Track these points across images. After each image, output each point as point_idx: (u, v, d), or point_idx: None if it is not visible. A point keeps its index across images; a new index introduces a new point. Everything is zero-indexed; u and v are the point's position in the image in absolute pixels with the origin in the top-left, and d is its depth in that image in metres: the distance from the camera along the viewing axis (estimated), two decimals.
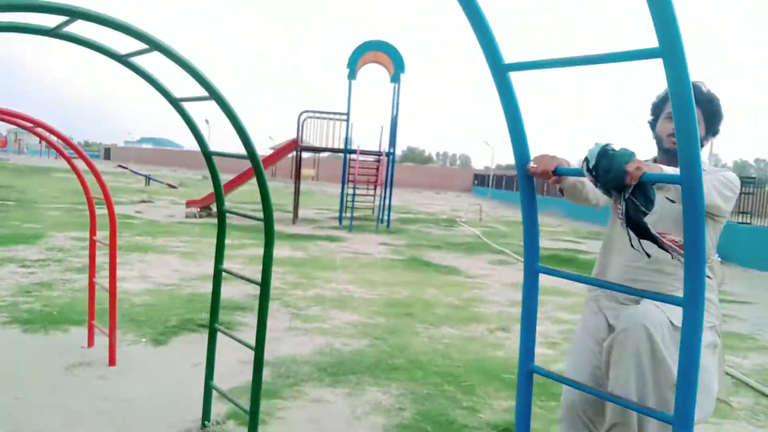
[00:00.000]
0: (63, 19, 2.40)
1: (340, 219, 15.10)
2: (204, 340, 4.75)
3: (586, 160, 1.59)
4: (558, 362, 4.88)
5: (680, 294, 1.43)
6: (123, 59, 2.78)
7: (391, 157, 15.50)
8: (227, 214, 3.23)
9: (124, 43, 2.87)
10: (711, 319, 2.31)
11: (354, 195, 14.55)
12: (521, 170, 1.76)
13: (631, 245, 1.79)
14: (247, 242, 10.78)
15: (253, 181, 13.93)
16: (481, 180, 52.07)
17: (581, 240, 16.09)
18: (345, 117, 15.52)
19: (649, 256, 1.86)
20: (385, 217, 15.32)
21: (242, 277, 3.23)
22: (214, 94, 2.60)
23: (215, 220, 14.02)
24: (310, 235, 12.80)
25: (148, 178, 26.14)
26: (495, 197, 42.00)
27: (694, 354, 1.43)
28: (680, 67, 1.22)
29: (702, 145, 2.33)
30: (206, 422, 3.21)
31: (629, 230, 1.63)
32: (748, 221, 13.02)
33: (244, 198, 21.25)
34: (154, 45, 2.43)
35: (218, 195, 3.21)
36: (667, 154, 2.49)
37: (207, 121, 54.87)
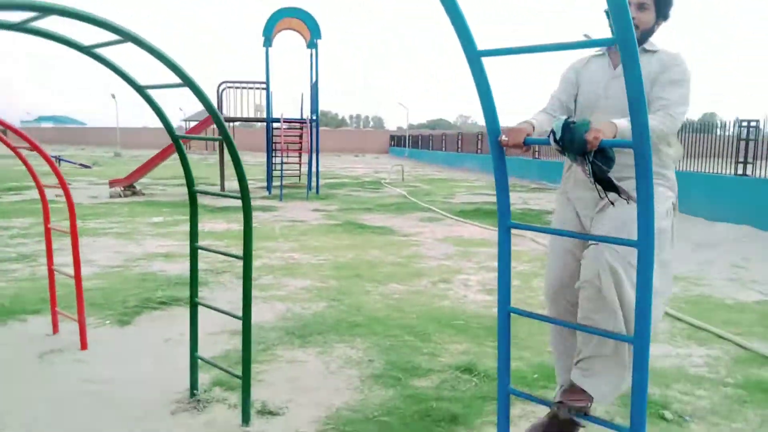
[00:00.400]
0: (31, 14, 2.47)
1: (269, 188, 15.14)
2: (168, 317, 4.94)
3: (553, 132, 1.92)
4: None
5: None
6: (88, 50, 2.86)
7: (314, 123, 15.58)
8: (196, 194, 3.38)
9: (83, 34, 2.96)
10: (669, 194, 2.59)
11: (282, 164, 14.58)
12: (493, 140, 2.08)
13: (599, 196, 2.15)
14: (179, 218, 10.73)
15: (174, 156, 13.68)
16: (397, 141, 52.69)
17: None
18: (264, 86, 15.40)
19: (612, 204, 2.23)
20: (314, 184, 15.46)
21: (223, 253, 3.42)
22: (187, 81, 2.76)
23: (141, 199, 13.85)
24: (239, 206, 12.78)
25: (58, 159, 24.91)
26: (412, 157, 42.73)
27: (647, 288, 1.81)
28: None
29: (653, 31, 2.61)
30: (195, 391, 3.43)
31: (597, 185, 1.98)
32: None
33: (163, 174, 20.77)
34: (128, 37, 2.55)
35: (188, 176, 3.36)
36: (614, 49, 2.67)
37: (113, 96, 52.32)
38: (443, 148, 34.75)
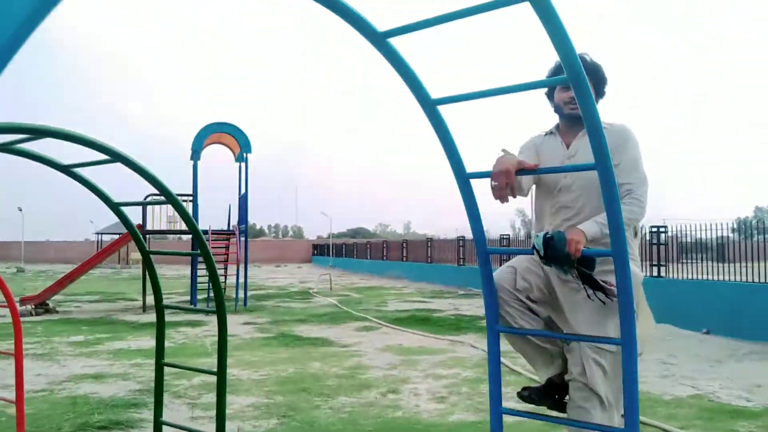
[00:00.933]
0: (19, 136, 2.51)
1: (194, 302, 14.67)
2: None
3: (536, 249, 2.09)
4: (453, 413, 5.36)
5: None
6: (67, 170, 2.89)
7: (243, 234, 15.52)
8: (165, 310, 3.33)
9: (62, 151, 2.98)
10: (637, 272, 2.64)
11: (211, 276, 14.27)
12: (477, 240, 2.24)
13: (588, 296, 2.31)
14: (101, 336, 10.19)
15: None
16: (320, 250, 52.82)
17: (428, 299, 17.12)
18: (191, 198, 15.35)
19: (596, 298, 2.39)
20: (242, 296, 15.15)
21: (197, 370, 3.33)
22: (170, 198, 2.81)
23: (56, 317, 13.04)
24: (169, 321, 12.29)
25: None
26: (338, 265, 42.80)
27: (634, 382, 1.96)
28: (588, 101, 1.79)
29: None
30: None
31: (585, 287, 2.15)
32: None
33: (76, 290, 19.81)
34: (118, 157, 2.62)
35: (158, 292, 3.33)
36: (569, 120, 2.77)
37: (20, 209, 50.23)
38: (368, 256, 35.13)
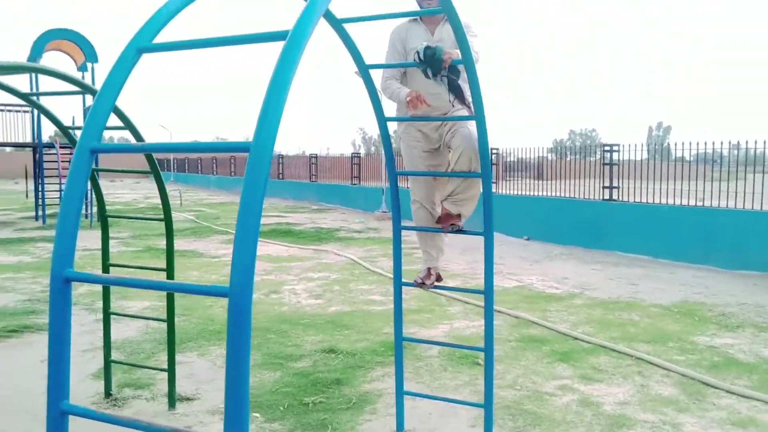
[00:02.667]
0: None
1: (43, 218, 14.15)
2: (25, 343, 5.04)
3: (417, 54, 2.82)
4: (330, 306, 6.36)
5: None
6: (26, 96, 3.27)
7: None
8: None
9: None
10: None
11: (61, 191, 13.77)
12: (390, 167, 3.10)
13: (451, 103, 3.13)
14: None
15: None
16: (160, 164, 50.65)
17: (285, 214, 17.88)
18: (29, 109, 14.46)
19: (453, 105, 3.22)
20: (92, 210, 14.82)
21: (150, 268, 3.90)
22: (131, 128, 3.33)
23: None
24: (20, 238, 11.98)
25: None
26: (180, 181, 41.68)
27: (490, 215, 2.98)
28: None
29: None
30: (110, 392, 3.86)
31: (450, 93, 2.99)
32: None
33: None
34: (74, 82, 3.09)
35: (100, 202, 3.82)
36: (426, 18, 3.35)
37: None
38: (214, 172, 34.69)
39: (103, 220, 3.89)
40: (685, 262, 9.03)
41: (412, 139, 3.47)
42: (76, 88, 3.21)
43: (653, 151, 12.00)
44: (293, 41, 1.34)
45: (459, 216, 3.41)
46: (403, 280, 3.50)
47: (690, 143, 9.72)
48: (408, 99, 2.99)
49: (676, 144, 10.23)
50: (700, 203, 9.31)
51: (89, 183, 3.89)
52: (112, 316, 4.01)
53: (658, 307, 6.42)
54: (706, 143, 9.74)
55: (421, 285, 3.55)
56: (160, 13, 1.62)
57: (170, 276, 3.69)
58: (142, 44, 1.55)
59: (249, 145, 1.25)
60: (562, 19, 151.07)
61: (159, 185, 3.60)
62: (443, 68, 2.86)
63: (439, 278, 3.64)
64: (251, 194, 1.21)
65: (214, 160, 35.42)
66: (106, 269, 3.87)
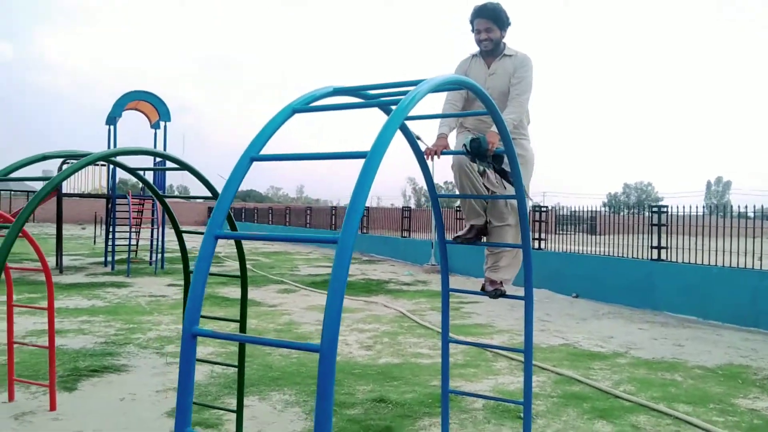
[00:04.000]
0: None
1: (112, 264, 15.08)
2: (106, 382, 5.57)
3: (465, 146, 3.27)
4: (380, 358, 6.72)
5: None
6: (133, 171, 3.86)
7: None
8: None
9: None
10: (529, 147, 3.94)
11: (130, 239, 14.72)
12: (440, 235, 3.52)
13: (503, 185, 3.60)
14: (32, 296, 10.61)
15: None
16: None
17: None
18: (104, 164, 15.58)
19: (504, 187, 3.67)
20: (158, 257, 15.69)
21: (222, 319, 4.39)
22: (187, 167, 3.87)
23: None
24: (92, 283, 12.82)
25: None
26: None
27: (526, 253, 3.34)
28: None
29: (503, 38, 3.83)
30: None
31: (497, 175, 3.43)
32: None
33: None
34: (185, 166, 3.65)
35: (184, 257, 4.35)
36: (484, 54, 3.90)
37: None
38: (269, 221, 35.80)
39: (186, 275, 4.38)
40: (734, 324, 9.03)
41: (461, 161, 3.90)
42: (176, 165, 3.75)
43: (711, 207, 12.04)
44: (371, 159, 1.79)
45: (501, 282, 3.81)
46: (450, 334, 3.87)
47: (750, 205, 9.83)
48: (425, 150, 3.43)
49: (730, 204, 10.32)
50: (751, 265, 9.33)
51: (170, 234, 4.45)
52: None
53: (702, 368, 6.52)
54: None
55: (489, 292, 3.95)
56: (266, 128, 2.12)
57: (243, 327, 4.16)
58: (253, 154, 2.04)
59: (337, 238, 1.69)
60: (617, 68, 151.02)
61: (238, 247, 4.08)
62: (488, 156, 3.32)
63: (502, 293, 3.98)
64: (337, 278, 1.64)
65: (270, 210, 36.61)
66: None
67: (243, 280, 4.18)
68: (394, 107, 2.06)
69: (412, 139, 3.38)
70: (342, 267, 1.65)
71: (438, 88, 2.50)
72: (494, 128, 3.27)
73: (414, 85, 2.35)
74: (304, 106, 2.32)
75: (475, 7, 3.86)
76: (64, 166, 15.33)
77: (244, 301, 4.20)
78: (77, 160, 3.65)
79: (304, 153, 2.09)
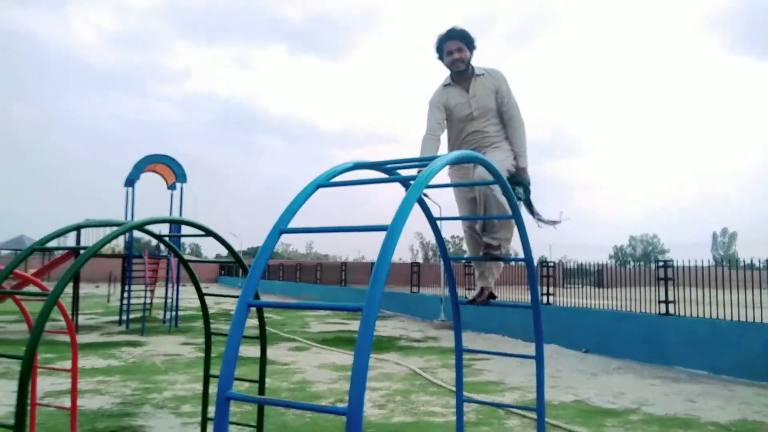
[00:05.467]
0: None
1: (127, 323, 15.23)
2: None
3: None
4: (394, 417, 6.79)
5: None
6: (160, 237, 4.11)
7: (173, 258, 16.26)
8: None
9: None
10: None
11: (146, 297, 14.89)
12: (455, 302, 3.71)
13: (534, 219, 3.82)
14: (48, 356, 10.75)
15: None
16: (227, 270, 52.68)
17: (347, 321, 18.47)
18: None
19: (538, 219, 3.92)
20: (172, 315, 15.82)
21: (242, 379, 4.54)
22: (235, 256, 4.10)
23: None
24: (107, 342, 12.95)
25: None
26: None
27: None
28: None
29: (471, 59, 4.02)
30: None
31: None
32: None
33: None
34: (209, 233, 3.89)
35: (206, 317, 4.54)
36: (457, 73, 4.06)
37: None
38: (280, 278, 35.94)
39: (207, 335, 4.57)
40: (746, 379, 9.02)
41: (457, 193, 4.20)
42: (199, 232, 4.00)
43: (718, 259, 12.14)
44: (392, 232, 2.02)
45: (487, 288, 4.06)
46: (465, 394, 4.01)
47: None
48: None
49: (737, 256, 10.45)
50: (760, 318, 9.37)
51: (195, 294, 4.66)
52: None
53: (715, 425, 6.55)
54: None
55: (473, 302, 4.10)
56: (294, 203, 2.36)
57: (261, 388, 4.31)
58: (282, 227, 2.28)
59: (361, 307, 1.90)
60: (619, 121, 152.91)
61: (259, 315, 4.28)
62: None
63: (492, 296, 4.16)
64: (363, 346, 1.84)
65: (281, 267, 36.82)
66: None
67: (263, 342, 4.36)
68: (412, 182, 2.31)
69: (423, 204, 3.62)
70: (367, 335, 1.86)
71: (452, 162, 2.76)
72: (519, 161, 3.69)
73: (429, 161, 2.62)
74: (328, 181, 2.57)
75: (441, 33, 4.05)
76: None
77: (263, 363, 4.37)
78: (105, 228, 3.90)
79: (329, 226, 2.32)
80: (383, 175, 2.94)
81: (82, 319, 16.90)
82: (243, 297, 2.15)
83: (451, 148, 4.22)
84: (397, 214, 2.07)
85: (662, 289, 11.00)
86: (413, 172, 3.02)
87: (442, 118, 4.10)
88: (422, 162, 2.67)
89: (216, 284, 52.09)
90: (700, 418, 6.82)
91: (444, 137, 4.19)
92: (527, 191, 3.79)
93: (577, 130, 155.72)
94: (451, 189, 4.14)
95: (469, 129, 4.10)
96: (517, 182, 3.74)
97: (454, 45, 3.98)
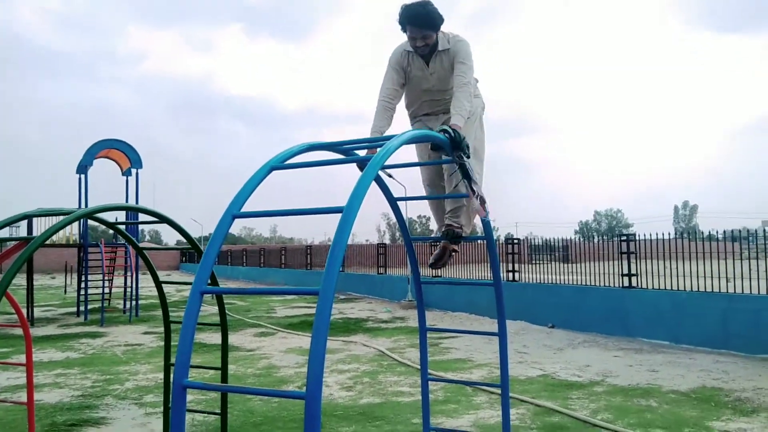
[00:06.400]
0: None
1: (85, 314, 14.83)
2: None
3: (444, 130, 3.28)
4: (362, 398, 6.74)
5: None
6: (113, 225, 3.93)
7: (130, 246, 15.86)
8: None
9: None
10: (480, 102, 3.96)
11: (104, 287, 14.51)
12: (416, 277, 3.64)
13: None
14: (3, 351, 10.40)
15: None
16: (189, 256, 51.90)
17: (313, 305, 18.34)
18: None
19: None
20: (132, 305, 15.47)
21: (203, 367, 4.41)
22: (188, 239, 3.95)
23: None
24: (65, 334, 12.59)
25: None
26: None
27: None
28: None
29: (438, 38, 3.68)
30: None
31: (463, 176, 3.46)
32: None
33: None
34: (165, 220, 3.73)
35: (165, 306, 4.39)
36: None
37: None
38: (244, 263, 35.54)
39: (166, 325, 4.42)
40: (706, 348, 9.26)
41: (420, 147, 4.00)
42: (154, 219, 3.83)
43: (680, 231, 12.39)
44: (347, 214, 1.92)
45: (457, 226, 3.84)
46: (429, 372, 3.95)
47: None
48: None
49: (697, 227, 10.65)
50: (719, 289, 9.59)
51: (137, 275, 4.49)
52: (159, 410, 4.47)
53: (676, 393, 6.68)
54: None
55: (434, 265, 3.91)
56: (246, 186, 2.23)
57: (224, 375, 4.20)
58: (235, 212, 2.15)
59: (318, 290, 1.80)
60: (587, 95, 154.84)
61: (219, 302, 4.15)
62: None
63: (457, 237, 3.87)
64: (319, 328, 1.74)
65: (244, 252, 36.39)
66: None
67: (223, 329, 4.24)
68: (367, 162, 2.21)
69: (382, 184, 3.52)
70: (323, 319, 1.76)
71: (408, 142, 2.66)
72: (452, 119, 3.39)
73: (385, 140, 2.52)
74: (281, 163, 2.45)
75: (404, 10, 3.65)
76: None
77: (225, 350, 4.25)
78: (57, 217, 3.70)
79: (283, 209, 2.20)
80: (340, 156, 2.83)
81: (38, 312, 16.43)
82: (196, 285, 2.03)
83: (408, 106, 4.04)
84: (351, 196, 1.97)
85: (625, 263, 11.18)
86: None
87: (401, 82, 3.86)
88: (378, 142, 2.56)
89: (178, 271, 51.32)
90: (662, 387, 6.96)
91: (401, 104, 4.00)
92: (464, 145, 3.41)
93: (542, 109, 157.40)
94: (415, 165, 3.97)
95: (427, 97, 3.94)
96: (458, 145, 3.33)
97: (418, 32, 3.64)
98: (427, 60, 3.85)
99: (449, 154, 3.24)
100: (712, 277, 9.81)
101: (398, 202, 3.67)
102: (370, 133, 3.69)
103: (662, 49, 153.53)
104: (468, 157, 3.34)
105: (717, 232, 11.29)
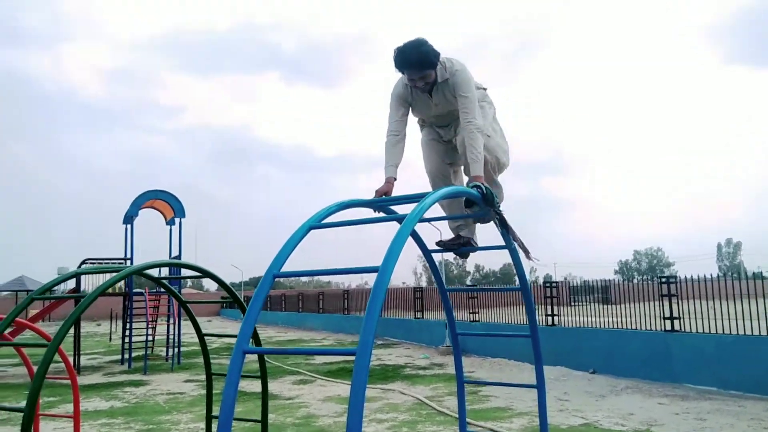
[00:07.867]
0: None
1: (129, 362, 15.12)
2: None
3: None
4: None
5: None
6: (158, 280, 4.11)
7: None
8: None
9: None
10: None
11: (147, 335, 14.80)
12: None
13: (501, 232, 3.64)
14: (51, 400, 10.65)
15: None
16: (229, 303, 52.39)
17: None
18: (124, 262, 15.94)
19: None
20: (174, 352, 15.70)
21: (244, 419, 4.49)
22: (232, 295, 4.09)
23: None
24: (109, 382, 12.84)
25: None
26: None
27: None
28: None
29: (437, 72, 3.67)
30: None
31: (502, 227, 3.52)
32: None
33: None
34: (207, 274, 3.89)
35: (207, 354, 4.52)
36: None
37: None
38: (283, 308, 35.77)
39: (208, 375, 4.54)
40: (756, 394, 8.93)
41: (430, 138, 4.05)
42: (197, 273, 4.00)
43: (724, 270, 12.11)
44: (383, 273, 2.03)
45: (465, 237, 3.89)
46: (468, 421, 3.96)
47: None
48: (377, 190, 3.49)
49: (743, 266, 10.40)
50: (766, 332, 9.28)
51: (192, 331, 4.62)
52: None
53: None
54: None
55: (441, 243, 3.92)
56: (286, 247, 2.38)
57: (264, 427, 4.27)
58: (275, 271, 2.28)
59: (354, 351, 1.90)
60: (624, 131, 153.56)
61: (260, 360, 4.26)
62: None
63: (468, 243, 3.88)
64: (356, 391, 1.84)
65: (283, 297, 36.67)
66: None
67: (264, 384, 4.33)
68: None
69: (417, 237, 3.63)
70: (360, 379, 1.85)
71: (441, 199, 2.78)
72: (472, 171, 3.49)
73: (418, 198, 2.64)
74: (319, 223, 2.59)
75: (398, 55, 3.64)
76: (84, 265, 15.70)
77: (265, 403, 4.33)
78: (108, 273, 3.90)
79: (320, 270, 2.34)
80: (375, 214, 2.96)
81: (84, 360, 16.78)
82: (239, 344, 2.15)
83: (418, 119, 4.08)
84: (387, 255, 2.09)
85: (666, 306, 10.94)
86: (406, 208, 3.00)
87: (405, 113, 3.89)
88: (412, 200, 2.69)
89: (218, 317, 51.82)
90: None
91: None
92: (496, 202, 3.46)
93: (578, 148, 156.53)
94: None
95: (435, 117, 3.95)
96: (490, 201, 3.37)
97: (416, 74, 3.64)
98: (428, 91, 3.83)
99: (482, 208, 3.37)
100: (758, 318, 9.52)
101: (431, 253, 3.77)
102: (384, 172, 3.69)
103: (702, 85, 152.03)
104: (499, 207, 3.45)
105: (763, 271, 11.00)
